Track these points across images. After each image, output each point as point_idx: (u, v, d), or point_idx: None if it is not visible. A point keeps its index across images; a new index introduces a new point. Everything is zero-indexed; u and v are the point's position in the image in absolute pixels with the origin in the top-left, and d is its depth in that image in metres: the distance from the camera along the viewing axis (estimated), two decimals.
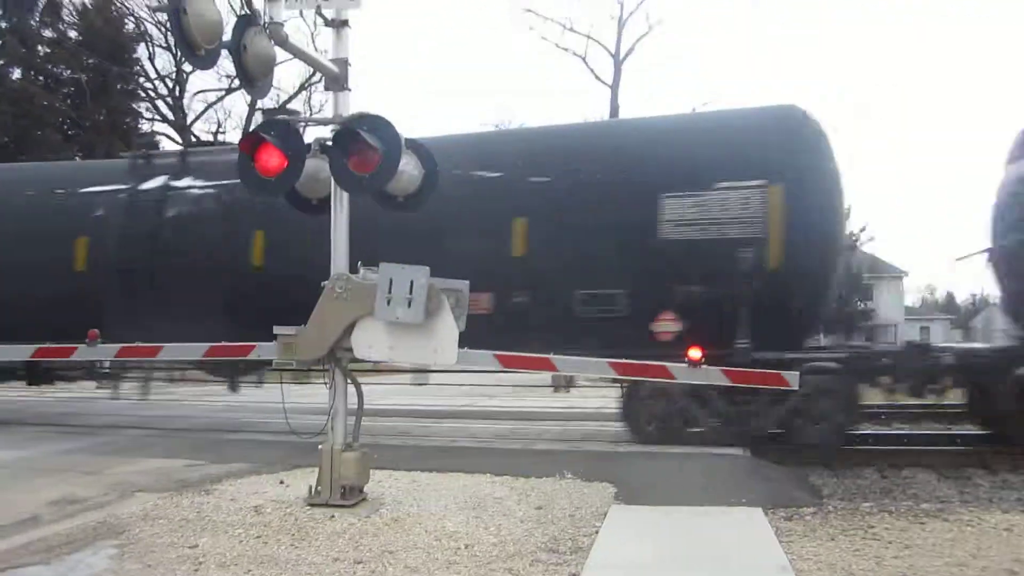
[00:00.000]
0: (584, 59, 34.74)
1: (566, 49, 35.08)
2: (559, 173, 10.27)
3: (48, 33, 34.32)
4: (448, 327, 6.33)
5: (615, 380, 9.85)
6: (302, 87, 36.14)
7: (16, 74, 33.04)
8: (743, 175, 9.52)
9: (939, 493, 8.30)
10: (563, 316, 9.89)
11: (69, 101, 33.52)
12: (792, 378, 8.10)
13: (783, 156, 9.64)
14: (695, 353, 8.03)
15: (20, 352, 10.76)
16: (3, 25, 33.30)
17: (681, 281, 9.47)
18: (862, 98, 60.24)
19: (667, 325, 9.25)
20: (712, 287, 9.30)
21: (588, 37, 34.63)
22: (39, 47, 33.78)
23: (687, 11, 63.31)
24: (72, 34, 34.34)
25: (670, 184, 9.63)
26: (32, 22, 33.44)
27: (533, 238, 9.95)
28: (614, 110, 33.37)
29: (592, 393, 16.79)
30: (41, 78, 33.32)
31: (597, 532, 5.90)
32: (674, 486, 7.46)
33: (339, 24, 6.87)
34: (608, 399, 15.19)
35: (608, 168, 10.00)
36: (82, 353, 10.22)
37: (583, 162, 10.27)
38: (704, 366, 8.04)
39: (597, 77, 34.58)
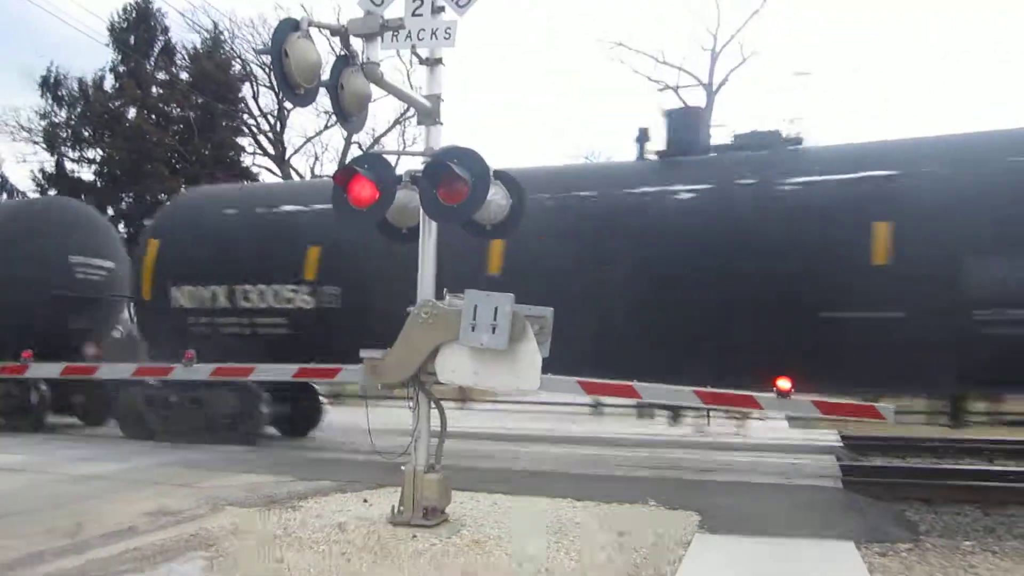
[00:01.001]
0: (676, 91, 34.61)
1: (658, 82, 35.01)
2: None
3: (162, 75, 36.39)
4: (531, 354, 6.41)
5: None
6: (396, 121, 37.23)
7: (131, 113, 35.08)
8: None
9: None
10: None
11: (177, 137, 35.34)
12: (887, 411, 7.90)
13: None
14: (784, 384, 7.91)
15: (121, 371, 11.47)
16: (121, 69, 35.53)
17: None
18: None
19: None
20: None
21: (680, 69, 34.52)
22: (153, 89, 35.82)
23: (783, 41, 61.85)
24: (184, 76, 36.30)
25: None
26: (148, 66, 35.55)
27: None
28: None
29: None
30: (153, 116, 35.22)
31: (680, 561, 5.81)
32: (762, 516, 7.30)
33: (433, 62, 7.12)
34: (694, 427, 15.02)
35: None
36: (179, 373, 10.82)
37: None
38: (793, 397, 7.93)
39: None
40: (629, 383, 7.82)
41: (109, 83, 36.04)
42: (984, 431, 13.33)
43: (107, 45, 35.52)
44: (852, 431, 14.17)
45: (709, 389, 8.02)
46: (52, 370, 12.63)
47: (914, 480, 9.93)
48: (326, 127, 37.20)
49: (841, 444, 13.27)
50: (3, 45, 52.14)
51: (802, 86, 55.55)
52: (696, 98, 34.14)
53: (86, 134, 35.42)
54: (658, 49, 41.85)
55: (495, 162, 6.81)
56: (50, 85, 35.65)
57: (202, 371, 10.65)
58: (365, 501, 7.67)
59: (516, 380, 6.53)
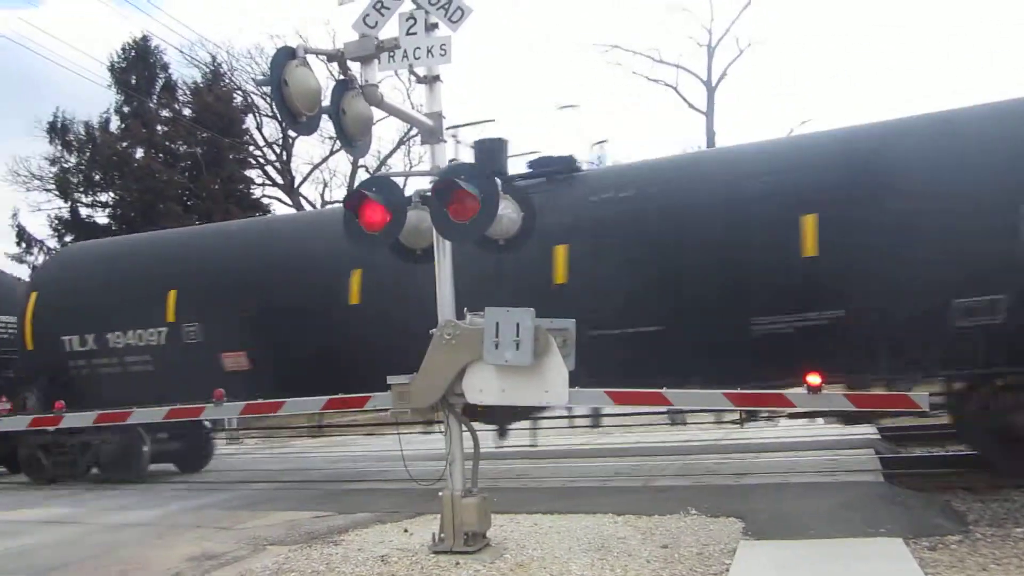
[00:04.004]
0: (676, 88, 34.53)
1: (657, 81, 34.96)
2: None
3: (166, 113, 36.69)
4: (557, 367, 6.30)
5: None
6: (401, 141, 37.34)
7: (139, 153, 35.34)
8: None
9: None
10: None
11: (187, 174, 35.59)
12: (922, 399, 7.70)
13: None
14: (814, 379, 7.73)
15: (155, 414, 11.38)
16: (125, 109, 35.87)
17: None
18: None
19: None
20: None
21: (678, 67, 34.47)
22: (158, 127, 36.10)
23: (780, 30, 61.81)
24: (187, 112, 36.58)
25: None
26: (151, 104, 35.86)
27: None
28: (710, 137, 32.99)
29: (710, 425, 16.39)
30: (161, 155, 35.49)
31: (727, 570, 5.69)
32: (805, 518, 7.13)
33: (431, 80, 7.04)
34: (726, 430, 14.84)
35: None
36: (210, 412, 10.74)
37: None
38: (825, 391, 7.75)
39: (691, 105, 34.32)
40: (659, 390, 7.66)
41: (114, 124, 36.41)
42: None
43: (109, 86, 35.94)
44: (889, 422, 13.92)
45: (739, 391, 7.86)
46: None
47: (956, 468, 9.71)
48: (332, 153, 37.45)
49: (879, 436, 13.02)
50: (9, 96, 52.80)
51: (806, 77, 55.33)
52: (697, 95, 34.12)
53: (97, 178, 35.73)
54: (654, 48, 41.65)
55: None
56: (58, 131, 35.99)
57: (231, 409, 10.60)
58: (405, 531, 7.57)
59: (544, 395, 6.45)
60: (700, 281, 9.22)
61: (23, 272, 31.27)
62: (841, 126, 10.19)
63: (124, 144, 35.42)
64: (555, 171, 10.53)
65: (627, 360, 9.20)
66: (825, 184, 8.96)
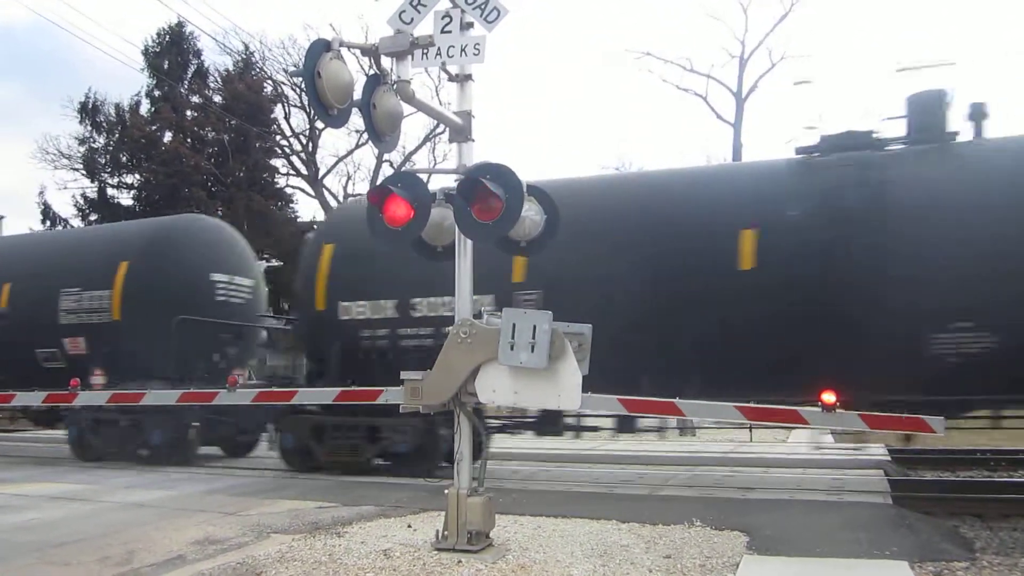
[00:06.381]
0: (705, 99, 34.56)
1: (686, 90, 35.05)
2: None
3: (196, 99, 37.00)
4: (571, 372, 6.31)
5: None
6: (427, 138, 37.55)
7: (167, 137, 35.66)
8: None
9: None
10: None
11: (213, 160, 35.85)
12: (938, 424, 7.65)
13: None
14: (828, 397, 7.70)
15: (170, 397, 11.44)
16: (156, 93, 36.22)
17: None
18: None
19: None
20: None
21: (708, 77, 34.49)
22: (187, 112, 36.41)
23: (812, 45, 61.75)
24: (217, 99, 36.87)
25: None
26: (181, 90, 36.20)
27: None
28: (736, 149, 32.93)
29: (720, 436, 16.35)
30: (188, 140, 35.79)
31: None
32: (811, 536, 7.09)
33: (463, 78, 7.07)
34: (736, 443, 14.80)
35: None
36: (223, 398, 10.80)
37: None
38: (839, 410, 7.72)
39: (719, 116, 34.34)
40: (671, 400, 7.66)
41: (145, 108, 36.78)
42: None
43: (142, 70, 36.36)
44: (900, 444, 13.84)
45: (752, 405, 7.84)
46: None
47: (966, 494, 9.65)
48: (357, 146, 37.71)
49: (888, 458, 12.96)
50: (44, 75, 53.45)
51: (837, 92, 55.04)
52: (726, 106, 34.07)
53: (124, 159, 36.09)
54: (686, 57, 41.73)
55: (527, 176, 6.74)
56: (88, 111, 36.42)
57: (243, 395, 10.60)
58: (409, 526, 7.61)
59: (557, 399, 6.45)
60: None
61: None
62: None
63: (153, 127, 35.73)
64: None
65: None
66: None
